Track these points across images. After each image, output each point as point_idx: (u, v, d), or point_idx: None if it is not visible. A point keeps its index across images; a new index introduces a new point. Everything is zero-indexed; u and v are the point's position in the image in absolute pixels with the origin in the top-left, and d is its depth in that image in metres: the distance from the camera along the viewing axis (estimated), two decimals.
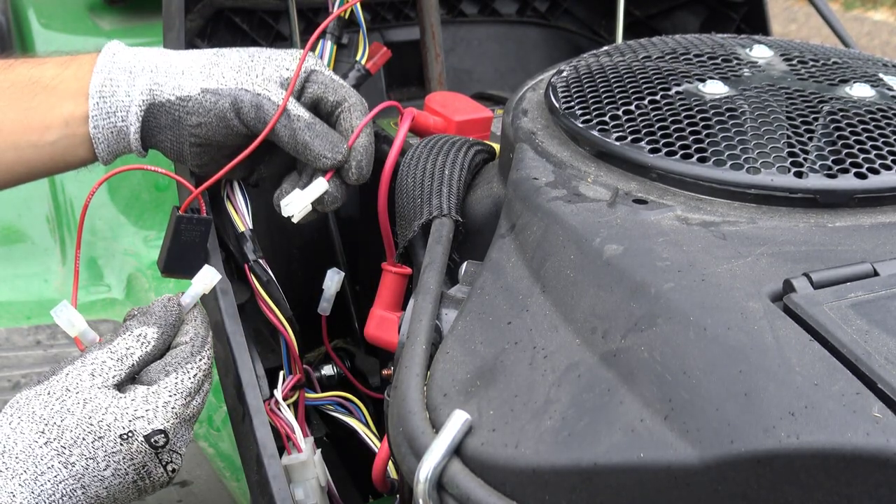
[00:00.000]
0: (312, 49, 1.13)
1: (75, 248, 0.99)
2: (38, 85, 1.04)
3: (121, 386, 0.91)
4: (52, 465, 0.87)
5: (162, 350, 0.95)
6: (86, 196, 0.99)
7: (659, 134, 0.87)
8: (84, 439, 0.88)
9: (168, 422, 0.91)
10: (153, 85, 1.03)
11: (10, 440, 0.87)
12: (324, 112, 1.05)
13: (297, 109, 1.02)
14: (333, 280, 1.14)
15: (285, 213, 1.03)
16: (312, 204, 1.03)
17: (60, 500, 0.87)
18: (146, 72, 1.04)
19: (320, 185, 1.02)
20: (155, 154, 1.09)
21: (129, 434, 0.89)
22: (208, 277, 0.98)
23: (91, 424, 0.88)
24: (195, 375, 0.93)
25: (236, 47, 1.07)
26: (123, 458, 0.89)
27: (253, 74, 1.03)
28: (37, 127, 1.04)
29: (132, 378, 0.93)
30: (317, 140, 1.01)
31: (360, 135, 1.02)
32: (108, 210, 2.03)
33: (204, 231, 1.06)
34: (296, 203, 1.02)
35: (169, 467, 0.92)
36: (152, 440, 0.90)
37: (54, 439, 0.87)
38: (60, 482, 0.87)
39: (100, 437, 0.88)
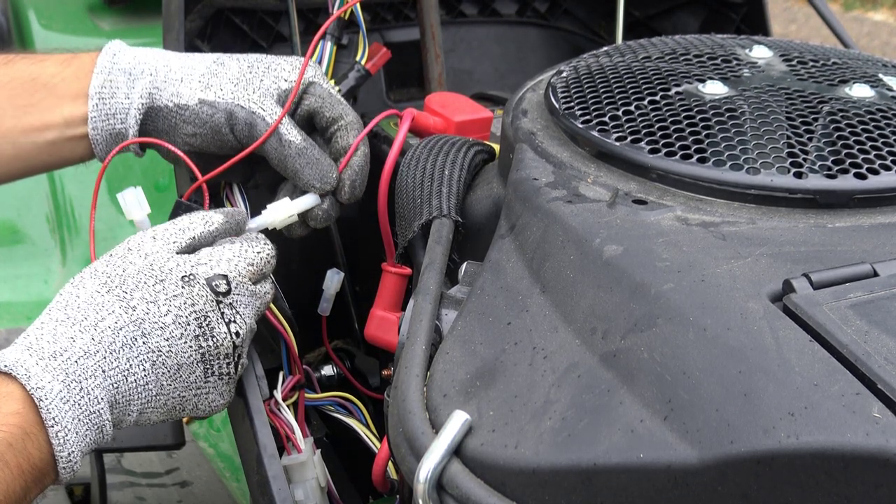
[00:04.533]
0: (312, 52, 1.13)
1: (90, 211, 1.00)
2: (38, 83, 1.04)
3: (181, 254, 0.92)
4: (113, 311, 0.86)
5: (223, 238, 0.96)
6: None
7: (659, 134, 0.87)
8: (145, 283, 0.88)
9: (231, 272, 0.90)
10: (152, 89, 1.03)
11: (73, 295, 0.87)
12: (319, 126, 1.05)
13: (289, 133, 1.01)
14: (333, 280, 1.14)
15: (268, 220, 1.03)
16: (302, 217, 1.03)
17: (121, 351, 0.85)
18: (145, 75, 1.03)
19: (309, 199, 1.02)
20: (154, 153, 1.09)
21: (191, 276, 0.89)
22: (282, 211, 1.00)
23: (153, 269, 0.89)
24: (259, 253, 0.94)
25: (236, 54, 1.07)
26: (185, 302, 0.88)
27: (250, 89, 1.03)
28: (36, 126, 1.04)
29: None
30: (306, 168, 1.01)
31: (354, 153, 1.02)
32: (107, 210, 2.02)
33: None
34: (279, 212, 1.02)
35: (232, 328, 0.90)
36: (213, 283, 0.89)
37: (116, 287, 0.87)
38: (121, 328, 0.86)
39: (161, 280, 0.88)
